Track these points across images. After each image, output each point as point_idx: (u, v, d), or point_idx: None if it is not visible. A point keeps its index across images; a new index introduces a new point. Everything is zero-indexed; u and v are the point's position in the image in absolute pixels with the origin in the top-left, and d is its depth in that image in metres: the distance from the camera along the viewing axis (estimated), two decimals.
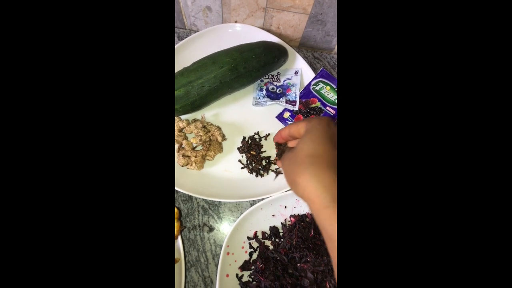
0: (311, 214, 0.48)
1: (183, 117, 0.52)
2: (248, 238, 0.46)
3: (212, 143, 0.50)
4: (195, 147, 0.51)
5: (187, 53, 0.54)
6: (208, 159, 0.50)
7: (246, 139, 0.52)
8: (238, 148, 0.52)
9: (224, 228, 0.49)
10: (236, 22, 0.58)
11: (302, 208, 0.48)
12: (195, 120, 0.52)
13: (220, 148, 0.50)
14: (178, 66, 0.50)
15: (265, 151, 0.51)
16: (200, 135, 0.49)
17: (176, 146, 0.50)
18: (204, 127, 0.50)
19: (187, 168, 0.49)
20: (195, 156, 0.48)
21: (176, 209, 0.44)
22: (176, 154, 0.49)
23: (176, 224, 0.43)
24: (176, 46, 0.54)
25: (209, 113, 0.53)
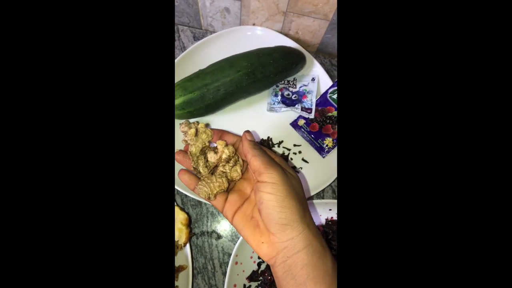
0: (322, 226, 0.47)
1: (192, 120, 0.50)
2: None
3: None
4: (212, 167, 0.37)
5: (204, 54, 0.53)
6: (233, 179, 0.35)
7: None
8: None
9: (233, 236, 0.47)
10: (254, 24, 0.56)
11: (315, 220, 0.47)
12: (206, 126, 0.39)
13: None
14: (195, 67, 0.49)
15: None
16: (225, 151, 0.35)
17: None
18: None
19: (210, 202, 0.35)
20: (219, 185, 0.34)
21: (185, 216, 0.43)
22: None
23: (186, 231, 0.42)
24: (192, 46, 0.53)
25: (221, 118, 0.52)
